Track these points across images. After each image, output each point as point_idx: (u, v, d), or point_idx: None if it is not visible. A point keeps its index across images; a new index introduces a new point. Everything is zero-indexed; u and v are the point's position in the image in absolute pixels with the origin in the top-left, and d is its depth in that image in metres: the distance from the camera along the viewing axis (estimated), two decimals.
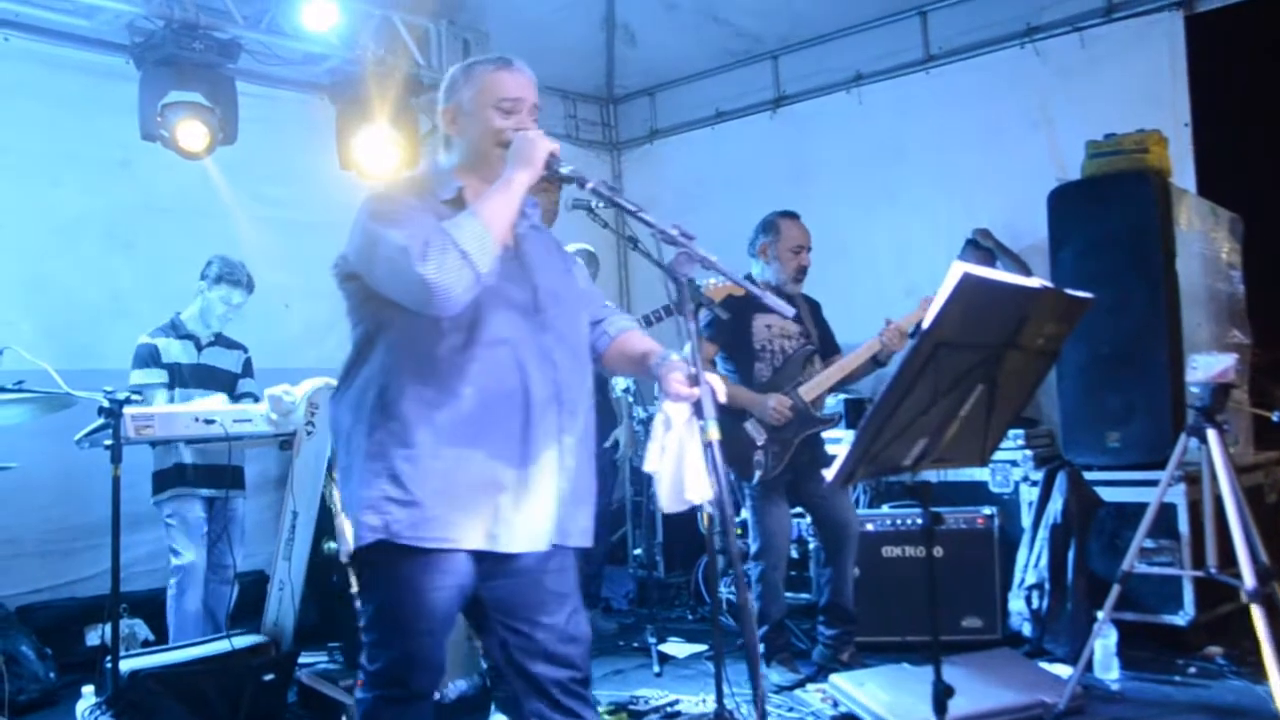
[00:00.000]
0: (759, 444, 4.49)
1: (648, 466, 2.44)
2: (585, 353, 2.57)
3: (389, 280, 2.27)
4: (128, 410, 3.92)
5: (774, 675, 4.49)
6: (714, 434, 2.22)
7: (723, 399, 2.31)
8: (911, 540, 4.90)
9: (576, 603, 2.50)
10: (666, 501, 2.41)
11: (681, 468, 2.35)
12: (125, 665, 3.90)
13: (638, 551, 6.29)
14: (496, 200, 2.29)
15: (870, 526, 4.86)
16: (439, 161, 2.55)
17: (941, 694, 2.24)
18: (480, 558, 2.35)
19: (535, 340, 2.39)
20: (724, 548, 4.45)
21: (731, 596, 5.60)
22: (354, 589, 2.48)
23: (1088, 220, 4.93)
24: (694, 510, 2.58)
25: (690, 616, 5.92)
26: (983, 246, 5.76)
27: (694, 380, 2.31)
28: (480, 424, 2.31)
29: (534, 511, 2.37)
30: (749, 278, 4.41)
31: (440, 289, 2.17)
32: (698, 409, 2.29)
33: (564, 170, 2.35)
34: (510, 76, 2.46)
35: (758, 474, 4.49)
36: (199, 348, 4.87)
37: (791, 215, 4.74)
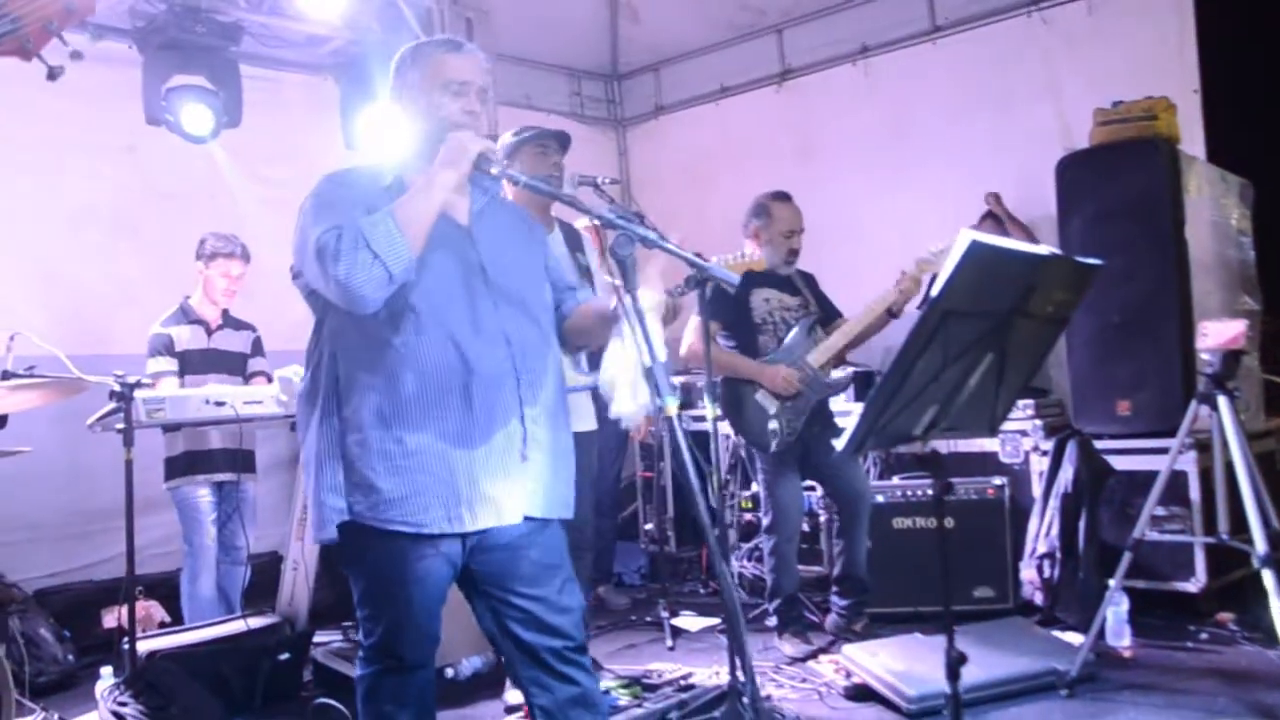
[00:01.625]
0: (771, 414, 4.49)
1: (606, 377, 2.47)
2: (548, 324, 2.57)
3: (310, 271, 2.30)
4: (139, 394, 3.94)
5: (787, 647, 4.51)
6: (672, 409, 2.18)
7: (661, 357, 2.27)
8: (922, 511, 4.90)
9: (567, 573, 2.52)
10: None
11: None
12: (143, 646, 3.95)
13: (649, 526, 6.31)
14: (416, 201, 2.29)
15: (881, 498, 4.86)
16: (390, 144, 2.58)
17: (955, 661, 2.25)
18: (461, 534, 2.36)
19: (486, 318, 2.39)
20: (770, 526, 4.50)
21: (743, 570, 5.63)
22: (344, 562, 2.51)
23: (1097, 189, 4.90)
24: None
25: (702, 590, 5.94)
26: (995, 216, 5.74)
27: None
28: (426, 407, 2.32)
29: (497, 488, 2.37)
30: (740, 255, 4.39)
31: (351, 289, 2.20)
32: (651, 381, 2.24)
33: (494, 170, 2.35)
34: (458, 59, 2.46)
35: (773, 443, 4.49)
36: (209, 332, 4.88)
37: (783, 197, 4.72)
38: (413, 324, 2.33)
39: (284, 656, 4.24)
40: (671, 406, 2.19)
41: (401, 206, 2.27)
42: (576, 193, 3.95)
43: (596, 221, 2.33)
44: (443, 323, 2.35)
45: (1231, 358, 3.63)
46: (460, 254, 2.42)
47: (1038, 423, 5.04)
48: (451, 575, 2.43)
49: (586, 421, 4.02)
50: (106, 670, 3.95)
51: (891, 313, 4.44)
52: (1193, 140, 5.32)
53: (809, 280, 4.85)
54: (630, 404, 2.41)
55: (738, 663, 3.65)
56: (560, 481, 2.51)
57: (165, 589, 5.11)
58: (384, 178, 2.44)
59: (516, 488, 2.40)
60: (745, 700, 3.53)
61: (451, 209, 2.41)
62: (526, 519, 2.42)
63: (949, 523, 4.79)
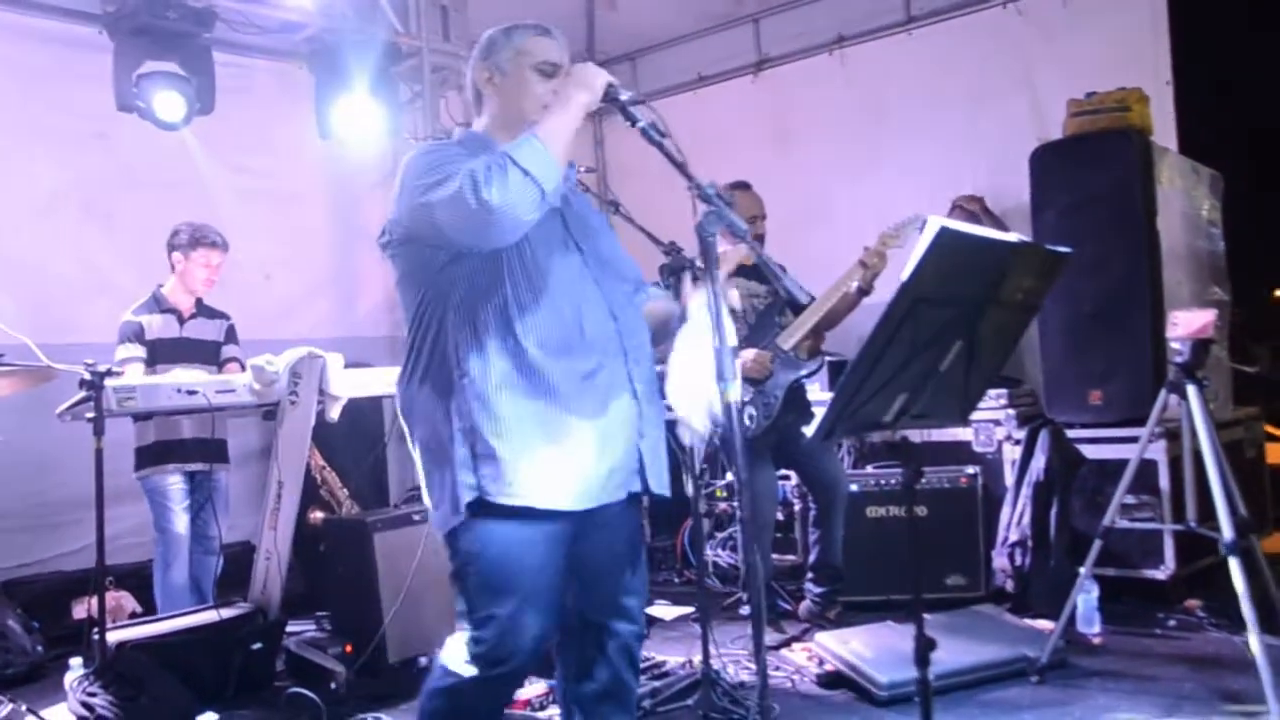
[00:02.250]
0: (746, 400, 4.50)
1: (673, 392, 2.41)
2: (638, 304, 2.56)
3: (451, 218, 2.19)
4: (109, 382, 3.90)
5: None
6: (734, 395, 2.18)
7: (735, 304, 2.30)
8: (896, 500, 4.93)
9: (643, 555, 2.55)
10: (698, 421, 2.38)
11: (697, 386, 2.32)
12: (113, 637, 3.93)
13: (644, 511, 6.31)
14: (555, 119, 2.27)
15: (855, 486, 4.88)
16: (473, 129, 2.53)
17: (924, 647, 2.26)
18: (552, 514, 2.31)
19: (593, 293, 2.39)
20: (743, 515, 4.51)
21: (717, 559, 5.65)
22: (452, 568, 2.39)
23: (1070, 179, 4.94)
24: (676, 469, 2.57)
25: (677, 580, 5.96)
26: (967, 210, 5.76)
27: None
28: (552, 378, 2.29)
29: (614, 462, 2.36)
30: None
31: (505, 212, 2.13)
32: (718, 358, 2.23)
33: (624, 97, 2.32)
34: (551, 42, 2.47)
35: (750, 429, 4.50)
36: (181, 321, 4.84)
37: (743, 185, 4.75)
38: (531, 292, 2.30)
39: (256, 646, 4.22)
40: (733, 392, 2.18)
41: (541, 127, 2.24)
42: None
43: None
44: (560, 295, 2.33)
45: (1201, 347, 3.67)
46: (559, 231, 2.41)
47: (1010, 412, 5.08)
48: (567, 554, 2.37)
49: None
50: (76, 661, 3.92)
51: (863, 290, 4.44)
52: (1165, 132, 5.36)
53: (781, 270, 4.84)
54: (701, 420, 2.37)
55: (713, 650, 3.69)
56: (663, 458, 2.49)
57: (137, 579, 5.08)
58: (485, 154, 2.31)
59: (630, 463, 2.39)
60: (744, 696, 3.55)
61: None
62: (627, 495, 2.41)
63: (922, 511, 4.83)
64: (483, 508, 2.27)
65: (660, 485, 2.46)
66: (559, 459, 2.29)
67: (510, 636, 2.30)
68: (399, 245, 2.40)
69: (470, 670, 2.32)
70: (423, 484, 2.43)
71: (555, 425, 2.29)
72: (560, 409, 2.29)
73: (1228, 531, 3.47)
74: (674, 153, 2.31)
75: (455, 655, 2.35)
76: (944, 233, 1.93)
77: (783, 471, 4.99)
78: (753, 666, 4.16)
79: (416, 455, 2.44)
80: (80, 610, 4.92)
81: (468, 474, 2.27)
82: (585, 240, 2.47)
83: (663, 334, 2.59)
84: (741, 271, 4.64)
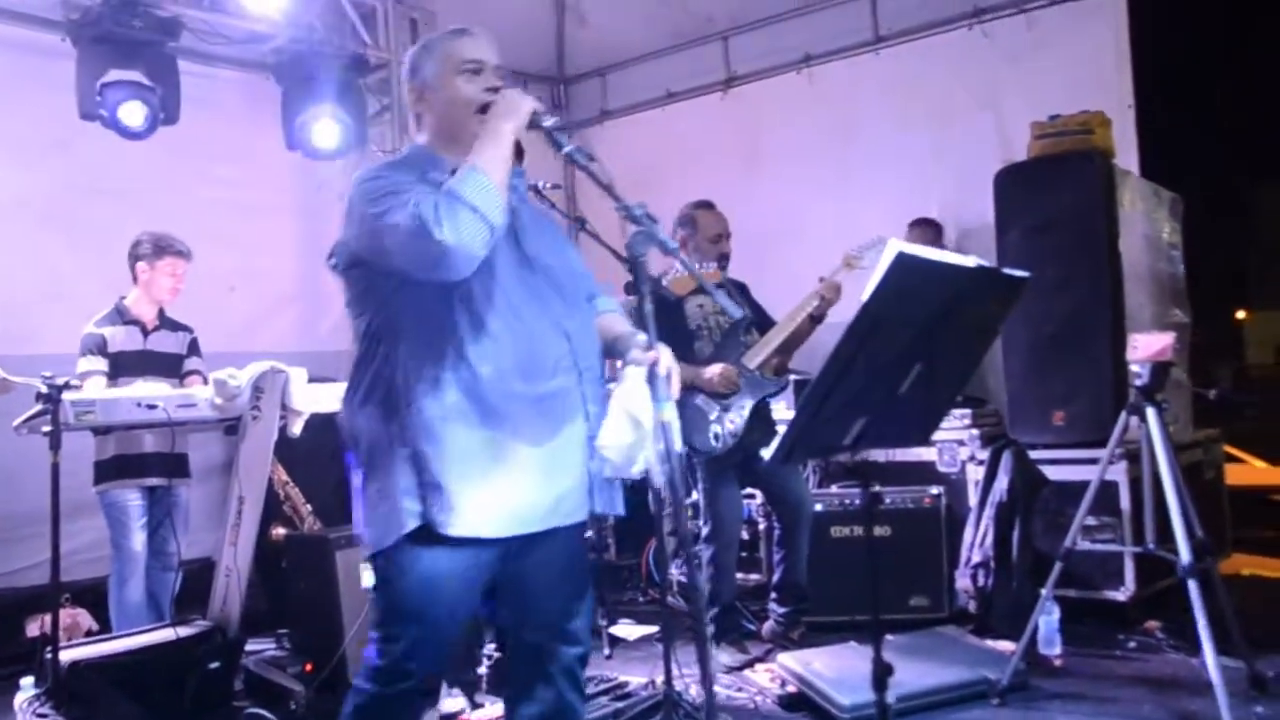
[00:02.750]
0: (712, 418, 4.50)
1: (606, 440, 2.36)
2: (592, 321, 2.53)
3: (402, 253, 2.18)
4: (67, 396, 3.85)
5: (723, 656, 4.51)
6: (669, 414, 2.21)
7: (675, 386, 2.30)
8: (860, 520, 4.93)
9: (588, 578, 2.53)
10: (640, 463, 2.38)
11: (636, 434, 2.32)
12: (66, 656, 3.85)
13: (589, 534, 6.27)
14: (488, 150, 2.24)
15: (819, 506, 4.88)
16: (416, 143, 2.51)
17: (881, 672, 2.26)
18: (490, 541, 2.30)
19: (545, 312, 2.36)
20: (675, 529, 4.51)
21: (682, 578, 5.63)
22: (368, 584, 2.44)
23: (1033, 200, 4.98)
24: (643, 488, 2.56)
25: (641, 599, 5.94)
26: (929, 223, 5.79)
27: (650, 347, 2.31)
28: (501, 403, 2.27)
29: (563, 486, 2.33)
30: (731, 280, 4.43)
31: (459, 250, 2.12)
32: (652, 379, 2.27)
33: (548, 124, 2.30)
34: (470, 40, 2.44)
35: (716, 447, 4.49)
36: (144, 334, 4.79)
37: (706, 205, 4.76)
38: (482, 315, 2.28)
39: (214, 665, 4.16)
40: (667, 412, 2.21)
41: (478, 158, 2.22)
42: None
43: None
44: (511, 318, 2.30)
45: (1160, 370, 3.70)
46: (511, 246, 2.37)
47: (974, 432, 5.10)
48: (488, 583, 2.38)
49: None
50: (27, 681, 3.84)
51: (814, 318, 4.46)
52: (1127, 155, 5.43)
53: (742, 289, 4.86)
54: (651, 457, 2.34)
55: (676, 670, 3.67)
56: (615, 480, 2.46)
57: (94, 596, 4.99)
58: (433, 171, 2.34)
59: (582, 485, 2.37)
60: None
61: None
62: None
63: (886, 531, 4.84)
64: (418, 535, 2.25)
65: (609, 506, 2.44)
66: (507, 488, 2.27)
67: (412, 658, 2.33)
68: (347, 269, 2.38)
69: (370, 685, 2.35)
70: (357, 500, 2.43)
71: (504, 454, 2.27)
72: (510, 436, 2.27)
73: (1185, 554, 3.50)
74: (600, 176, 2.31)
75: (364, 671, 2.39)
76: (902, 257, 1.94)
77: (748, 490, 4.99)
78: (715, 688, 4.15)
79: (357, 476, 2.43)
80: (34, 628, 4.83)
81: (412, 501, 2.24)
82: (537, 253, 2.44)
83: (610, 351, 2.58)
84: (704, 290, 4.65)
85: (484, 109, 2.34)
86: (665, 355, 2.31)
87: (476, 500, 2.24)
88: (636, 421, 2.29)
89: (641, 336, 2.41)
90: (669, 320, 4.55)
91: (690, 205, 4.75)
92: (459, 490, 2.23)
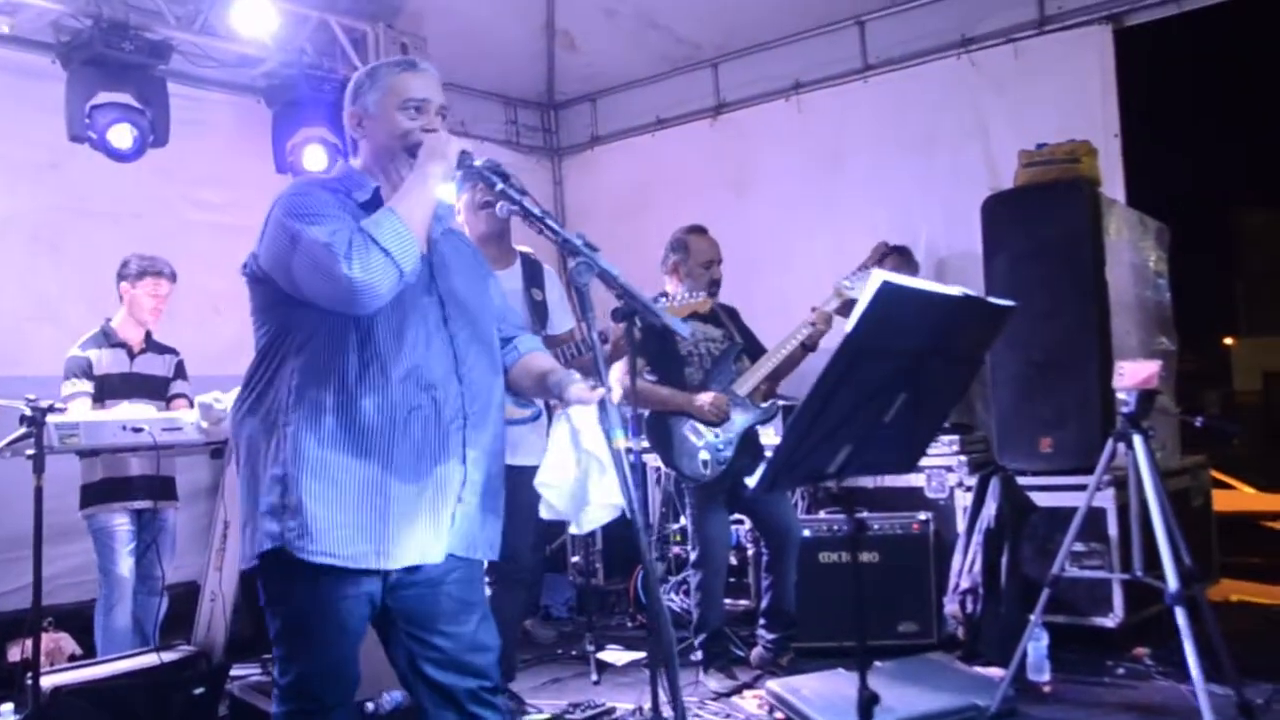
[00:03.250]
0: (700, 445, 4.49)
1: (546, 479, 2.41)
2: (496, 363, 2.54)
3: (309, 280, 2.22)
4: (51, 419, 3.83)
5: (712, 682, 4.49)
6: (621, 442, 2.23)
7: (615, 398, 2.33)
8: (848, 546, 4.92)
9: (484, 611, 2.49)
10: (585, 519, 2.40)
11: (595, 478, 2.34)
12: (47, 681, 3.81)
13: (576, 559, 6.27)
14: (412, 196, 2.28)
15: (807, 532, 4.87)
16: (348, 163, 2.53)
17: (867, 700, 2.25)
18: (384, 570, 2.32)
19: (443, 353, 2.37)
20: (697, 560, 4.51)
21: (670, 604, 5.61)
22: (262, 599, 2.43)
23: (1020, 229, 5.01)
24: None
25: (629, 624, 5.92)
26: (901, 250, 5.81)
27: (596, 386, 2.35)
28: (377, 437, 2.29)
29: (427, 526, 2.33)
30: (662, 295, 4.44)
31: (365, 289, 2.16)
32: (603, 411, 2.30)
33: (477, 163, 2.34)
34: (416, 78, 2.44)
35: (705, 473, 4.48)
36: (131, 356, 4.78)
37: (699, 230, 4.76)
38: (375, 350, 2.29)
39: (199, 691, 4.12)
40: (620, 440, 2.23)
41: (399, 203, 2.26)
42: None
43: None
44: (405, 354, 2.31)
45: (1146, 397, 3.72)
46: (422, 283, 2.37)
47: (962, 458, 5.10)
48: (371, 614, 2.38)
49: (531, 455, 3.96)
50: (7, 707, 3.80)
51: (806, 346, 4.48)
52: (1113, 183, 5.47)
53: (731, 314, 4.87)
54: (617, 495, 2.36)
55: (663, 696, 3.65)
56: (490, 523, 2.47)
57: (79, 620, 4.94)
58: (357, 191, 2.39)
59: (448, 528, 2.37)
60: None
61: None
62: (449, 556, 2.38)
63: (874, 557, 4.83)
64: (280, 557, 2.26)
65: (477, 550, 2.45)
66: (370, 520, 2.28)
67: (312, 681, 2.36)
68: (254, 281, 2.41)
69: (280, 707, 2.39)
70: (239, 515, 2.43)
71: (371, 485, 2.28)
72: (379, 468, 2.29)
73: (1173, 582, 3.50)
74: (533, 208, 2.33)
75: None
76: (887, 286, 1.94)
77: (736, 516, 4.98)
78: (703, 714, 4.14)
79: (238, 485, 2.43)
80: (15, 653, 4.77)
81: (271, 521, 2.27)
82: (449, 290, 2.44)
83: (538, 390, 2.59)
84: (698, 316, 4.65)
85: (413, 151, 2.37)
86: (614, 385, 2.33)
87: (336, 529, 2.25)
88: (585, 464, 2.30)
89: (576, 376, 2.45)
90: (659, 346, 4.55)
91: (683, 230, 4.75)
92: (319, 515, 2.24)
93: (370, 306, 2.21)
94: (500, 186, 2.33)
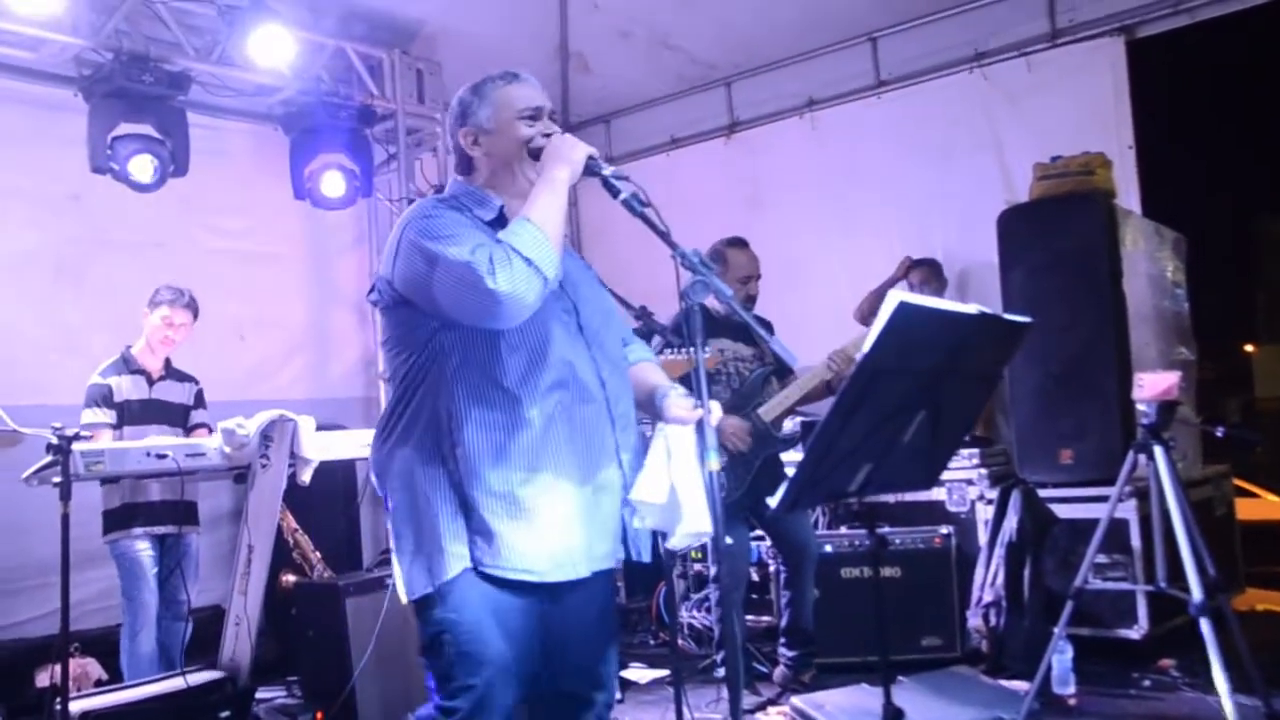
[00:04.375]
0: (722, 465, 4.48)
1: (642, 495, 2.36)
2: (626, 369, 2.54)
3: (453, 299, 2.20)
4: (77, 446, 3.86)
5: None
6: (715, 464, 2.22)
7: (714, 423, 2.30)
8: (869, 561, 4.91)
9: (616, 621, 2.53)
10: (678, 537, 2.36)
11: (687, 498, 2.31)
12: (76, 706, 3.84)
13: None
14: (544, 200, 2.26)
15: (829, 548, 4.87)
16: (460, 181, 2.50)
17: (891, 716, 2.25)
18: (539, 585, 2.30)
19: (584, 361, 2.37)
20: (717, 575, 4.49)
21: (692, 621, 5.61)
22: (424, 639, 2.35)
23: (1036, 241, 5.00)
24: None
25: (652, 641, 5.91)
26: (929, 263, 5.82)
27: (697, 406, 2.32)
28: (545, 448, 2.28)
29: (602, 532, 2.35)
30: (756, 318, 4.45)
31: (513, 301, 2.14)
32: (700, 433, 2.28)
33: (605, 171, 2.31)
34: (525, 87, 2.45)
35: (723, 494, 4.47)
36: (150, 383, 4.82)
37: (740, 243, 4.74)
38: (529, 362, 2.29)
39: (225, 715, 4.15)
40: (714, 462, 2.23)
41: (532, 210, 2.24)
42: None
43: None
44: (554, 363, 2.31)
45: (1166, 408, 3.71)
46: (555, 294, 2.36)
47: (983, 472, 5.09)
48: (539, 632, 2.35)
49: None
50: None
51: (830, 387, 4.45)
52: (1128, 195, 5.46)
53: (768, 328, 4.85)
54: (706, 519, 2.33)
55: (687, 713, 3.65)
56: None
57: (104, 645, 4.97)
58: (481, 210, 2.38)
59: (615, 532, 2.38)
60: None
61: None
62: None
63: (896, 572, 4.83)
64: (466, 579, 2.25)
65: (643, 553, 2.45)
66: (552, 530, 2.27)
67: (484, 707, 2.26)
68: (389, 307, 2.38)
69: None
70: (394, 548, 2.39)
71: (546, 496, 2.27)
72: (552, 477, 2.28)
73: (1197, 593, 3.49)
74: (656, 222, 2.30)
75: None
76: (903, 306, 1.96)
77: (756, 532, 4.98)
78: None
79: (390, 519, 2.39)
80: (43, 678, 4.82)
81: (458, 544, 2.25)
82: (578, 300, 2.45)
83: (645, 402, 2.57)
84: (728, 332, 4.66)
85: (537, 154, 2.36)
86: (715, 409, 2.32)
87: (525, 542, 2.25)
88: (677, 482, 2.29)
89: (679, 391, 2.44)
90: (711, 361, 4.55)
91: (723, 241, 4.74)
92: (505, 531, 2.24)
93: (518, 318, 2.20)
94: (624, 196, 2.30)
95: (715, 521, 2.24)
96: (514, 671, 2.30)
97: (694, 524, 2.33)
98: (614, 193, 2.31)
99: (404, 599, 2.35)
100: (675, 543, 2.40)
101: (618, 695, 4.69)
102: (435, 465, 2.29)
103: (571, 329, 2.39)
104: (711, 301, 4.59)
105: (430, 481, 2.29)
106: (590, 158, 2.32)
